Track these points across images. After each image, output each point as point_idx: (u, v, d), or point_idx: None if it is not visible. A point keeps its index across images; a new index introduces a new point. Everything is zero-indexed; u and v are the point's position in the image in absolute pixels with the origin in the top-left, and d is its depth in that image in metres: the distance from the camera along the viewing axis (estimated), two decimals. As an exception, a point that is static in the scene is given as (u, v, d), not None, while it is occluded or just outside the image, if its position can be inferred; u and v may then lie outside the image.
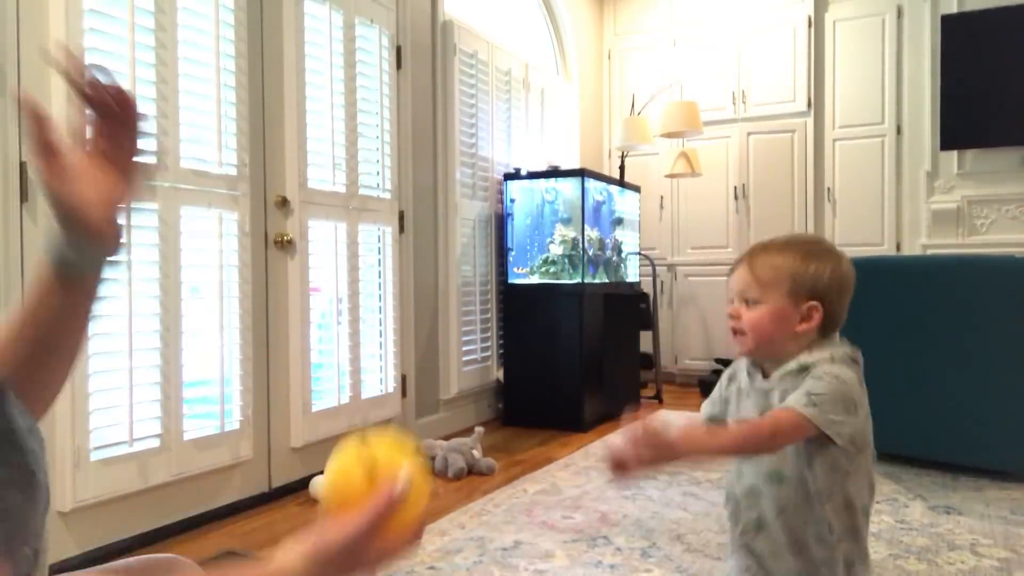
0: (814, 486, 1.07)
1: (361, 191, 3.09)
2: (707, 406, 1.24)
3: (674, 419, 1.06)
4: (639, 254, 4.79)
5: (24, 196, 1.93)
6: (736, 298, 1.14)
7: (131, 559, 0.77)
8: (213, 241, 2.44)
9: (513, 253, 4.08)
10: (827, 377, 1.04)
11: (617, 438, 1.02)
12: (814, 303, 1.11)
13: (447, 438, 3.29)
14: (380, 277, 3.22)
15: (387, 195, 3.27)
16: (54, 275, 0.68)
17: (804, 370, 1.08)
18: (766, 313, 1.10)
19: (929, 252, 4.44)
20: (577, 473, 2.96)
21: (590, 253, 3.99)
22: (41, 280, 0.69)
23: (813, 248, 1.15)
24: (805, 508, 1.07)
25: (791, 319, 1.10)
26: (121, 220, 0.73)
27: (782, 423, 1.02)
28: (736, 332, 1.14)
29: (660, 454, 0.97)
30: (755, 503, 1.12)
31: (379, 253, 3.22)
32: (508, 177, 4.10)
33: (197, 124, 2.38)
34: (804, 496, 1.07)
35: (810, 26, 4.86)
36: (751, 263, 1.13)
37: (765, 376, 1.15)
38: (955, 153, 4.49)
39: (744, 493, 1.14)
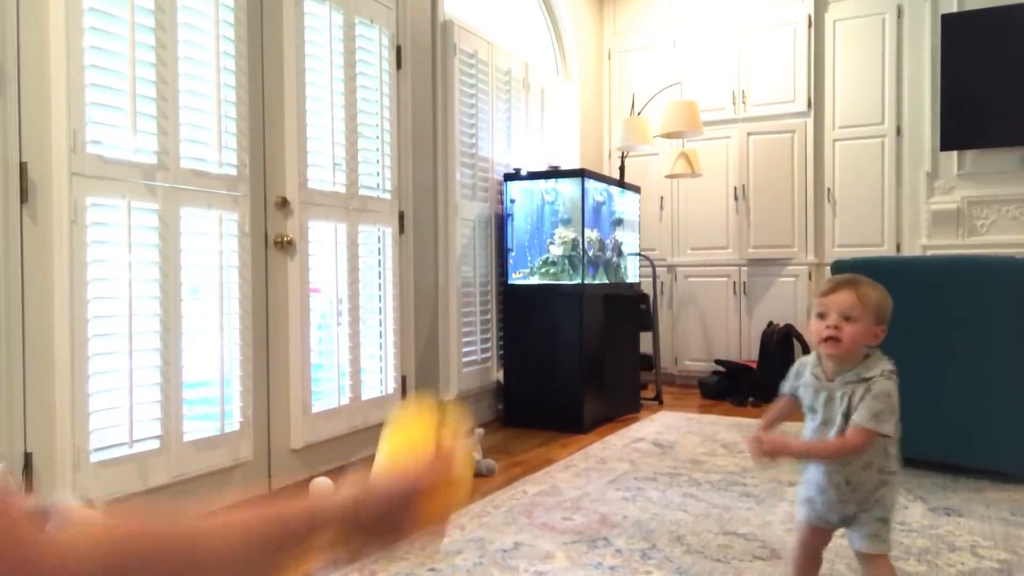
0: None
1: (361, 191, 3.09)
2: (785, 383, 1.64)
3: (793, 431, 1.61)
4: (639, 255, 4.79)
5: (24, 196, 1.93)
6: (836, 313, 1.49)
7: None
8: (213, 241, 2.44)
9: (513, 254, 4.08)
10: (882, 396, 1.45)
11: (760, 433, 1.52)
12: (883, 327, 1.52)
13: (447, 439, 3.28)
14: (380, 278, 3.22)
15: (387, 195, 3.27)
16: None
17: (863, 381, 1.47)
18: (860, 330, 1.48)
19: (929, 253, 4.44)
20: (577, 474, 2.96)
21: (590, 254, 3.99)
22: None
23: (884, 290, 1.55)
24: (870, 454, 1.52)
25: (869, 337, 1.50)
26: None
27: (861, 439, 1.45)
28: (831, 339, 1.49)
29: (786, 452, 1.50)
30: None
31: (379, 254, 3.22)
32: (508, 177, 4.10)
33: (197, 124, 2.38)
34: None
35: (810, 26, 4.86)
36: (856, 291, 1.50)
37: (828, 376, 1.54)
38: (955, 154, 4.49)
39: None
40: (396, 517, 0.65)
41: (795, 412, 1.63)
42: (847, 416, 1.48)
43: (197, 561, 0.54)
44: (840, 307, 1.49)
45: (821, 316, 1.52)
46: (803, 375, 1.59)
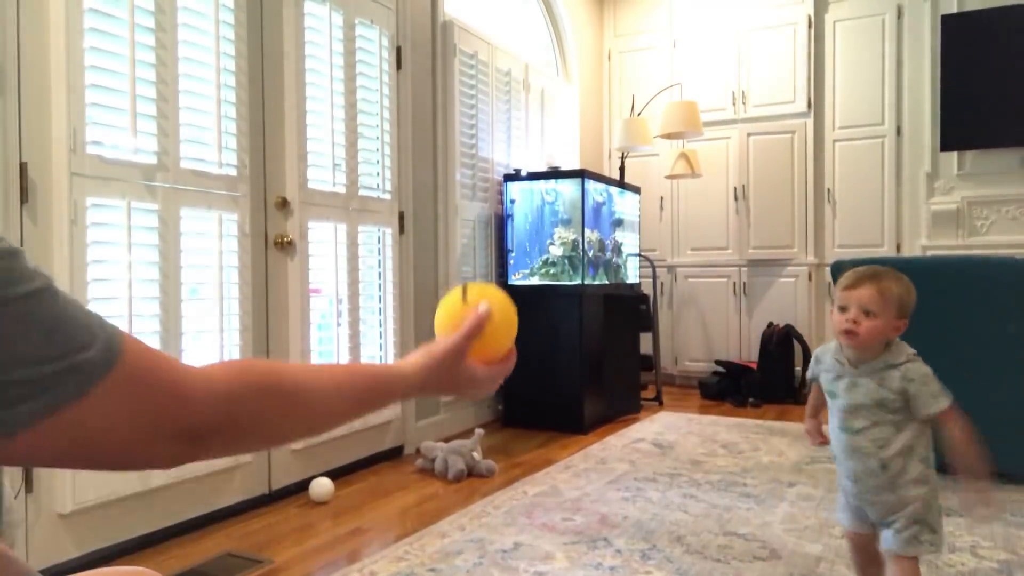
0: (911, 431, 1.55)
1: (361, 192, 3.09)
2: (810, 373, 1.70)
3: None
4: (639, 255, 4.79)
5: (24, 196, 1.93)
6: (856, 308, 1.52)
7: (102, 570, 0.77)
8: (213, 242, 2.44)
9: (513, 255, 4.08)
10: (927, 378, 1.49)
11: None
12: (904, 321, 1.54)
13: (447, 440, 3.29)
14: (380, 278, 3.22)
15: (387, 196, 3.27)
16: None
17: (892, 367, 1.51)
18: (880, 324, 1.51)
19: (929, 253, 4.44)
20: (577, 475, 2.96)
21: (590, 254, 3.99)
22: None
23: (909, 283, 1.56)
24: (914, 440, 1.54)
25: (889, 330, 1.52)
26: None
27: (955, 419, 1.48)
28: (850, 332, 1.52)
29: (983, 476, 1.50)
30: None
31: (379, 254, 3.22)
32: (508, 178, 4.10)
33: (197, 124, 2.38)
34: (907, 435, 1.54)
35: (810, 26, 4.86)
36: (878, 286, 1.52)
37: (851, 363, 1.56)
38: (955, 154, 4.49)
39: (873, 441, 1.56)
40: (456, 375, 0.80)
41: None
42: (879, 402, 1.51)
43: (298, 394, 0.64)
44: (861, 301, 1.52)
45: (842, 309, 1.55)
46: (824, 361, 1.63)
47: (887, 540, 1.53)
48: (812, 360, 1.69)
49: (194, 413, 0.55)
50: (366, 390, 0.72)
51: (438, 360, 0.79)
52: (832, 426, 1.61)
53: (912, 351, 1.55)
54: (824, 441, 1.67)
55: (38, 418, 0.47)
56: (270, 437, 0.63)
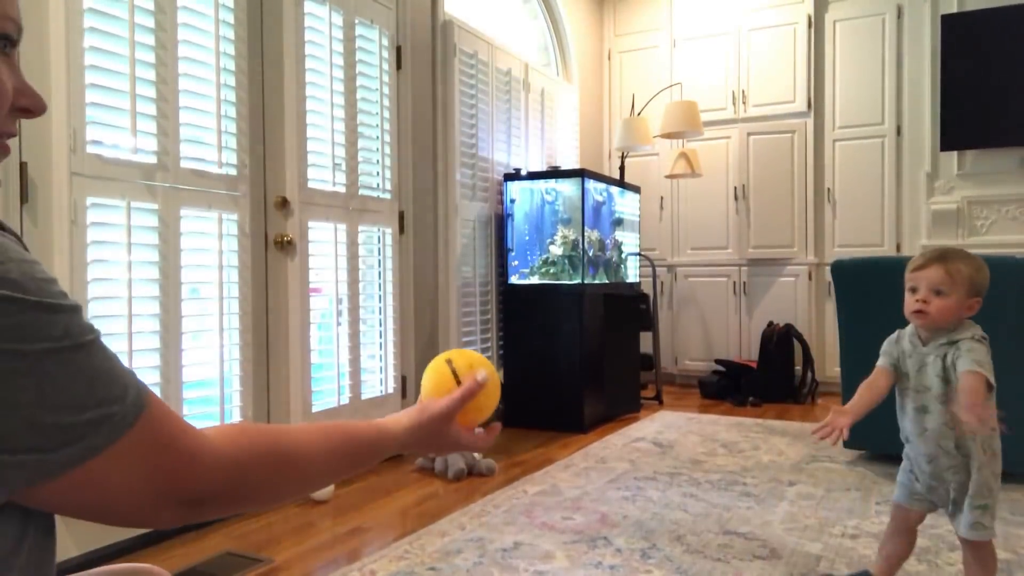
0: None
1: (361, 192, 3.09)
2: (882, 357, 1.68)
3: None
4: (639, 255, 4.79)
5: (24, 197, 1.93)
6: (925, 288, 1.55)
7: (108, 567, 0.78)
8: (213, 242, 2.44)
9: (513, 254, 4.08)
10: (977, 349, 1.52)
11: None
12: (977, 299, 1.56)
13: (447, 439, 3.28)
14: (380, 278, 3.22)
15: (387, 196, 3.27)
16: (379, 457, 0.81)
17: (952, 344, 1.55)
18: (951, 303, 1.54)
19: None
20: (577, 474, 2.96)
21: (590, 254, 3.99)
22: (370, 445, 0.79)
23: (979, 261, 1.58)
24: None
25: (962, 309, 1.55)
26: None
27: (976, 378, 1.50)
28: (921, 312, 1.56)
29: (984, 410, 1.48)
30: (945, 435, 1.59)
31: (379, 254, 3.22)
32: (508, 178, 4.10)
33: (197, 124, 2.38)
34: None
35: (810, 26, 4.86)
36: (946, 266, 1.54)
37: (923, 343, 1.61)
38: (955, 154, 4.49)
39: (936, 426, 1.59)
40: (442, 436, 0.84)
41: (888, 385, 1.67)
42: (945, 379, 1.54)
43: (294, 460, 0.67)
44: (930, 281, 1.55)
45: (913, 290, 1.58)
46: (902, 343, 1.66)
47: (958, 528, 1.60)
48: (886, 343, 1.69)
49: (203, 480, 0.58)
50: (358, 451, 0.75)
51: (429, 420, 0.83)
52: (905, 409, 1.64)
53: (980, 332, 1.57)
54: (837, 437, 1.57)
55: (71, 466, 0.50)
56: (267, 501, 0.66)
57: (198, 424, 2.03)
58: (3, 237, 0.50)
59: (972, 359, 1.51)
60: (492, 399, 0.89)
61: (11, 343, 0.46)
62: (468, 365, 0.88)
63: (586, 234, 3.91)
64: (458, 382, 0.87)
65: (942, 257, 1.57)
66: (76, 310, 0.51)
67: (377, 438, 0.78)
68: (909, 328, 1.66)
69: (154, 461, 0.54)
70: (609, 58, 5.59)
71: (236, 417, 2.50)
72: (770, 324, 4.75)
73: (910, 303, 1.58)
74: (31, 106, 0.60)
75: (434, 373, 0.89)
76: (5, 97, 0.57)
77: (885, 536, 1.78)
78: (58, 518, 0.58)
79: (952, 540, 2.17)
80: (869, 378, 1.68)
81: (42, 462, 0.48)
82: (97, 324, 1.98)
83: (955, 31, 4.40)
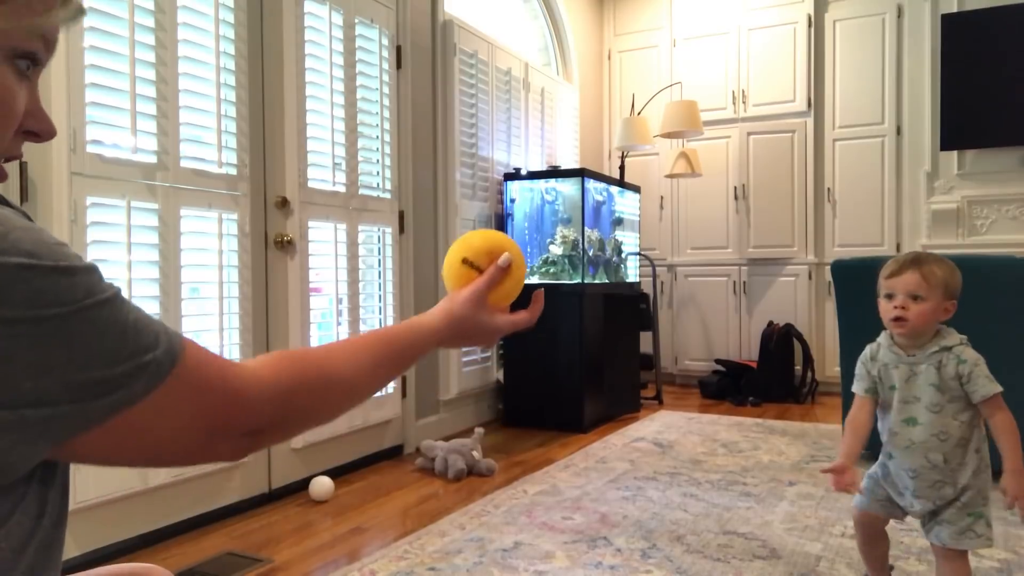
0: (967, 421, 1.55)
1: (361, 191, 3.09)
2: (859, 383, 1.63)
3: None
4: (639, 254, 4.79)
5: (24, 196, 1.93)
6: (902, 294, 1.52)
7: (109, 567, 0.78)
8: (213, 241, 2.44)
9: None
10: (980, 361, 1.50)
11: None
12: (953, 302, 1.53)
13: (447, 439, 3.29)
14: (380, 277, 3.22)
15: (387, 195, 3.27)
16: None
17: (945, 350, 1.51)
18: (928, 308, 1.51)
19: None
20: (577, 474, 2.96)
21: (590, 254, 3.99)
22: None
23: (951, 264, 1.55)
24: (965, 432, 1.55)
25: (940, 313, 1.52)
26: None
27: (1002, 405, 1.48)
28: (899, 319, 1.52)
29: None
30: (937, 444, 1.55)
31: (379, 253, 3.22)
32: (508, 177, 4.10)
33: (197, 124, 2.38)
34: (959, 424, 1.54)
35: (810, 26, 4.86)
36: (921, 271, 1.51)
37: (906, 351, 1.56)
38: (955, 153, 4.49)
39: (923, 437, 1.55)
40: (479, 323, 0.85)
41: (872, 415, 1.62)
42: (939, 389, 1.51)
43: (339, 378, 0.69)
44: (907, 287, 1.52)
45: (889, 297, 1.55)
46: (879, 356, 1.60)
47: (943, 537, 1.52)
48: (860, 364, 1.63)
49: (250, 412, 0.60)
50: (400, 354, 0.77)
51: (460, 306, 0.83)
52: (889, 423, 1.59)
53: (962, 336, 1.55)
54: (852, 489, 1.56)
55: (111, 414, 0.51)
56: (319, 420, 0.68)
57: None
58: (6, 209, 0.51)
59: (986, 375, 1.49)
60: (519, 277, 0.87)
61: (33, 309, 0.47)
62: (487, 252, 0.86)
63: (586, 234, 3.91)
64: (480, 273, 0.85)
65: (916, 261, 1.54)
66: (92, 270, 0.52)
67: (415, 337, 0.79)
68: (883, 339, 1.61)
69: (199, 402, 0.56)
70: (609, 58, 5.59)
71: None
72: (770, 324, 4.75)
73: (888, 310, 1.55)
74: (40, 131, 0.59)
75: (453, 276, 0.87)
76: (13, 119, 0.55)
77: (864, 546, 1.72)
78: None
79: (952, 540, 2.17)
80: (850, 415, 1.64)
81: (82, 412, 0.50)
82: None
83: (955, 31, 4.40)
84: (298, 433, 0.67)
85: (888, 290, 1.55)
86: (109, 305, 0.52)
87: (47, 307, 0.47)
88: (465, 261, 0.85)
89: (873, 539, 1.69)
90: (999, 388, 1.47)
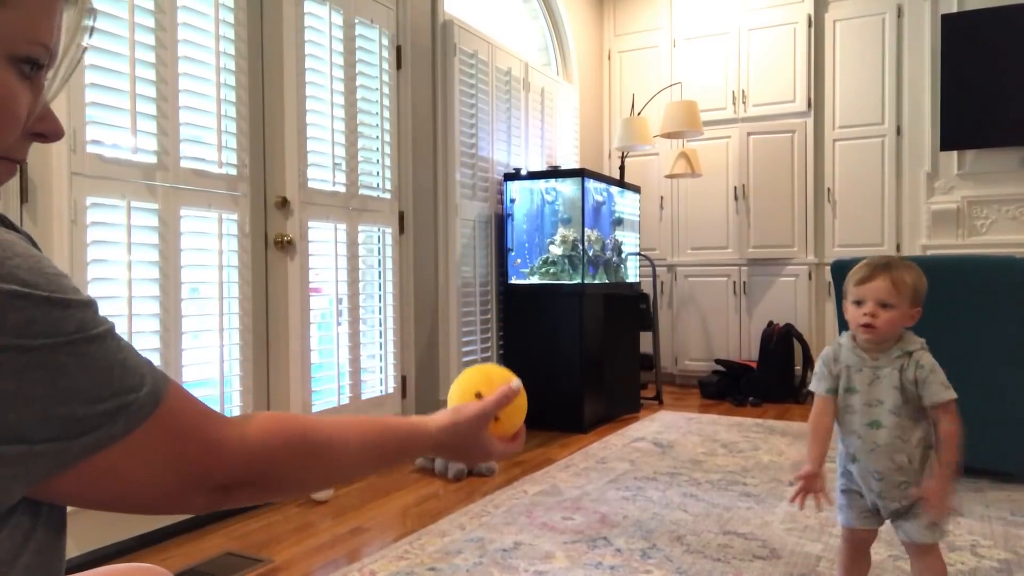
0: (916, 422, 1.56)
1: (361, 191, 3.09)
2: (820, 383, 1.61)
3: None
4: (639, 255, 4.79)
5: (24, 196, 1.93)
6: (872, 301, 1.52)
7: (109, 567, 0.78)
8: (213, 241, 2.44)
9: (513, 254, 4.08)
10: (936, 367, 1.51)
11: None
12: (919, 309, 1.55)
13: (447, 439, 3.28)
14: (380, 278, 3.22)
15: (387, 195, 3.27)
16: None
17: (907, 355, 1.53)
18: (897, 315, 1.52)
19: (929, 253, 4.44)
20: (577, 474, 2.96)
21: (590, 254, 3.99)
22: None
23: (919, 269, 1.56)
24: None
25: (906, 320, 1.53)
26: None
27: (953, 413, 1.49)
28: (868, 326, 1.52)
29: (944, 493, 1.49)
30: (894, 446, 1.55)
31: (379, 254, 3.22)
32: (508, 177, 4.10)
33: (197, 124, 2.38)
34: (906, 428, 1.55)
35: (810, 26, 4.86)
36: (891, 277, 1.52)
37: (868, 354, 1.56)
38: (955, 153, 4.49)
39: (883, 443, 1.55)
40: (475, 441, 0.84)
41: (834, 417, 1.60)
42: (901, 391, 1.51)
43: (324, 452, 0.67)
44: (877, 295, 1.52)
45: (858, 303, 1.54)
46: (841, 358, 1.59)
47: (911, 532, 1.54)
48: (822, 364, 1.62)
49: (227, 466, 0.59)
50: (392, 447, 0.76)
51: (465, 420, 0.83)
52: (852, 427, 1.57)
53: (922, 340, 1.56)
54: (821, 496, 1.57)
55: (87, 455, 0.50)
56: (297, 490, 0.67)
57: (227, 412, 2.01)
58: (11, 235, 0.50)
59: (941, 382, 1.50)
60: (522, 409, 0.90)
61: (21, 338, 0.47)
62: (503, 379, 0.89)
63: (586, 234, 3.91)
64: (492, 386, 0.88)
65: (886, 267, 1.54)
66: (88, 304, 0.51)
67: (411, 436, 0.78)
68: (845, 341, 1.61)
69: (176, 449, 0.55)
70: (609, 58, 5.59)
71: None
72: (770, 324, 4.75)
73: (856, 316, 1.54)
74: (48, 132, 0.59)
75: (462, 382, 0.90)
76: (16, 122, 0.55)
77: (843, 563, 1.69)
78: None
79: (952, 540, 2.17)
80: (812, 419, 1.62)
81: (60, 451, 0.49)
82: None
83: (955, 31, 4.40)
84: (273, 498, 0.65)
85: (857, 296, 1.55)
86: (99, 341, 0.51)
87: (35, 337, 0.47)
88: (479, 395, 0.88)
89: (859, 558, 1.68)
90: (953, 395, 1.48)
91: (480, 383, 0.88)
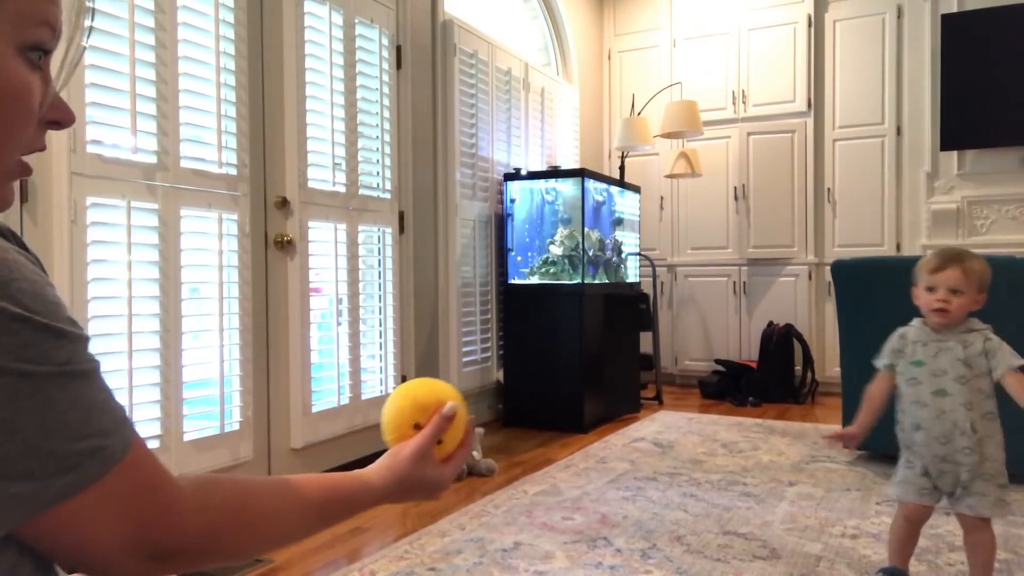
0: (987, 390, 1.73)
1: (361, 191, 3.09)
2: (882, 359, 1.81)
3: None
4: (639, 255, 4.79)
5: (24, 196, 1.93)
6: (944, 288, 1.69)
7: None
8: (213, 242, 2.44)
9: (514, 253, 4.08)
10: (1001, 340, 1.69)
11: None
12: (983, 295, 1.72)
13: (447, 439, 3.28)
14: (380, 278, 3.22)
15: (387, 195, 3.27)
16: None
17: (971, 331, 1.70)
18: (966, 301, 1.69)
19: (929, 253, 4.43)
20: (577, 474, 2.96)
21: (590, 254, 3.99)
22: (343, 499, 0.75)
23: (984, 260, 1.74)
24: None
25: (973, 304, 1.70)
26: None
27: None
28: (941, 310, 1.69)
29: None
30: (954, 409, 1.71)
31: (379, 254, 3.22)
32: (508, 177, 4.10)
33: (197, 124, 2.38)
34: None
35: (810, 26, 4.86)
36: (962, 267, 1.69)
37: (936, 333, 1.73)
38: (955, 153, 4.49)
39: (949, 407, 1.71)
40: (423, 479, 0.81)
41: (889, 388, 1.80)
42: (966, 364, 1.68)
43: (266, 520, 0.65)
44: (948, 282, 1.69)
45: (930, 289, 1.72)
46: (908, 336, 1.78)
47: (977, 506, 1.66)
48: (891, 341, 1.80)
49: (174, 533, 0.56)
50: (334, 508, 0.73)
51: (407, 466, 0.79)
52: (914, 398, 1.74)
53: (986, 325, 1.74)
54: (850, 445, 1.77)
55: (68, 494, 0.49)
56: (234, 558, 0.64)
57: (198, 425, 1.99)
58: (21, 255, 0.50)
59: (1010, 352, 1.66)
60: (461, 423, 0.85)
61: (16, 362, 0.46)
62: (436, 402, 0.83)
63: (586, 234, 3.91)
64: (426, 416, 0.83)
65: (958, 258, 1.71)
66: (82, 339, 0.51)
67: (352, 496, 0.75)
68: (916, 323, 1.78)
69: (134, 505, 0.53)
70: (609, 58, 5.59)
71: (236, 418, 2.50)
72: (770, 324, 4.75)
73: (929, 302, 1.71)
74: (61, 119, 0.58)
75: (400, 436, 0.83)
76: (33, 114, 0.54)
77: (899, 537, 1.82)
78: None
79: (952, 540, 2.17)
80: (869, 388, 1.81)
81: (37, 491, 0.47)
82: (97, 324, 1.98)
83: (955, 31, 4.40)
84: (209, 565, 0.62)
85: (930, 284, 1.72)
86: (85, 378, 0.50)
87: (30, 363, 0.46)
88: (418, 427, 0.82)
89: (913, 533, 1.81)
90: (1022, 361, 1.64)
91: (416, 414, 0.83)
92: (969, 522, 1.71)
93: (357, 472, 0.77)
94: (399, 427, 0.83)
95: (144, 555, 0.54)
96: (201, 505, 0.58)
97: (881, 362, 1.80)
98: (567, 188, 4.01)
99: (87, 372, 0.51)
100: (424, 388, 0.85)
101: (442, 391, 0.85)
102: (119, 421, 0.53)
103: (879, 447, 3.06)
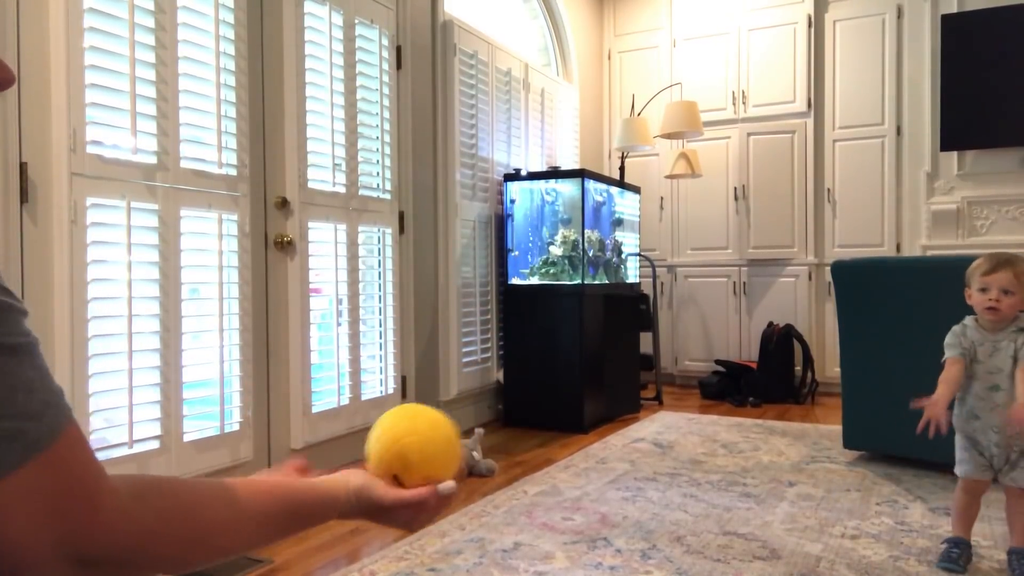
0: None
1: (361, 192, 3.09)
2: (952, 349, 1.96)
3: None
4: (639, 255, 4.79)
5: (24, 196, 1.93)
6: (996, 289, 1.88)
7: None
8: (213, 242, 2.44)
9: (514, 254, 4.08)
10: None
11: None
12: None
13: (447, 439, 3.28)
14: (380, 278, 3.22)
15: (387, 196, 3.27)
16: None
17: (1020, 330, 1.88)
18: (1016, 300, 1.88)
19: (929, 253, 4.44)
20: (577, 474, 2.96)
21: (590, 254, 3.99)
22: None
23: None
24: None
25: (1021, 304, 1.88)
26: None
27: None
28: (993, 309, 1.88)
29: None
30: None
31: (379, 254, 3.22)
32: (508, 178, 4.10)
33: (197, 124, 2.38)
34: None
35: (810, 26, 4.86)
36: (1014, 270, 1.87)
37: (990, 332, 1.92)
38: (955, 154, 4.49)
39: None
40: (390, 522, 0.77)
41: (963, 372, 1.93)
42: (1015, 360, 1.86)
43: (211, 529, 0.60)
44: (1000, 284, 1.88)
45: (983, 290, 1.90)
46: (968, 334, 1.95)
47: (1015, 479, 1.89)
48: (952, 336, 1.97)
49: (103, 537, 0.50)
50: (292, 521, 0.68)
51: (377, 506, 0.75)
52: (973, 390, 1.93)
53: None
54: (943, 424, 1.86)
55: None
56: (175, 568, 0.58)
57: (198, 425, 1.97)
58: None
59: None
60: (447, 456, 0.79)
61: None
62: (423, 477, 0.76)
63: (586, 234, 3.91)
64: (421, 474, 0.77)
65: (1009, 262, 1.89)
66: (13, 310, 0.46)
67: (314, 512, 0.70)
68: (969, 322, 1.96)
69: (58, 503, 0.47)
70: (609, 58, 5.59)
71: (236, 418, 2.50)
72: (770, 324, 4.75)
73: (982, 301, 1.90)
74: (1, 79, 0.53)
75: (380, 471, 0.77)
76: None
77: (960, 509, 2.01)
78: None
79: (952, 540, 2.17)
80: (945, 372, 1.95)
81: None
82: (97, 325, 1.97)
83: (955, 31, 4.40)
84: (147, 574, 0.56)
85: (983, 285, 1.90)
86: (13, 353, 0.46)
87: None
88: (396, 478, 0.77)
89: (973, 503, 2.01)
90: None
91: (396, 465, 0.76)
92: (1015, 493, 1.92)
93: (325, 484, 0.72)
94: (379, 464, 0.77)
95: (71, 560, 0.49)
96: (137, 510, 0.53)
97: (953, 352, 1.96)
98: (567, 188, 4.01)
99: (16, 347, 0.46)
100: (417, 440, 0.77)
101: (435, 453, 0.78)
102: (49, 404, 0.47)
103: (878, 448, 3.06)
